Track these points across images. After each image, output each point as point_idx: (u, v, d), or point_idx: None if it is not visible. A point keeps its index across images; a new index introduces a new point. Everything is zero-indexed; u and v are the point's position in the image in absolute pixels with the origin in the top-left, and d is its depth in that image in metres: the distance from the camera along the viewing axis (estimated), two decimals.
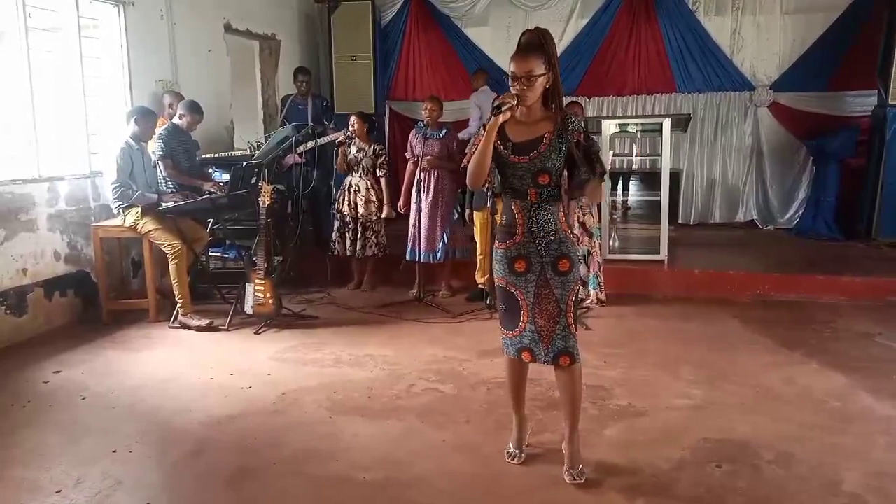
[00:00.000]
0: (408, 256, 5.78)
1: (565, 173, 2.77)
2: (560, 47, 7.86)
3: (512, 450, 3.01)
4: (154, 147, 5.35)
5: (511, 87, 2.69)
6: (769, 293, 5.73)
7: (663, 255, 6.07)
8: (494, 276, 2.89)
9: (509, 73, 2.71)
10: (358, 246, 5.94)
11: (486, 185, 2.93)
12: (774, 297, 5.69)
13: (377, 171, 5.96)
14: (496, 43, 8.56)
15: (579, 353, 2.80)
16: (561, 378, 2.84)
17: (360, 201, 5.91)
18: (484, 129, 2.69)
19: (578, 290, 2.88)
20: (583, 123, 2.82)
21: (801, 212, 7.89)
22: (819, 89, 7.75)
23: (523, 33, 2.73)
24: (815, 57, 7.74)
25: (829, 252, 6.76)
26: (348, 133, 5.93)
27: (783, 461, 2.98)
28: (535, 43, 2.66)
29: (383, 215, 5.95)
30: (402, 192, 5.87)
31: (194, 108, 5.45)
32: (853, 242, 7.08)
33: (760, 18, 7.94)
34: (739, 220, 8.26)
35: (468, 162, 2.78)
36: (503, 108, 2.61)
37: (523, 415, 3.05)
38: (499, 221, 2.92)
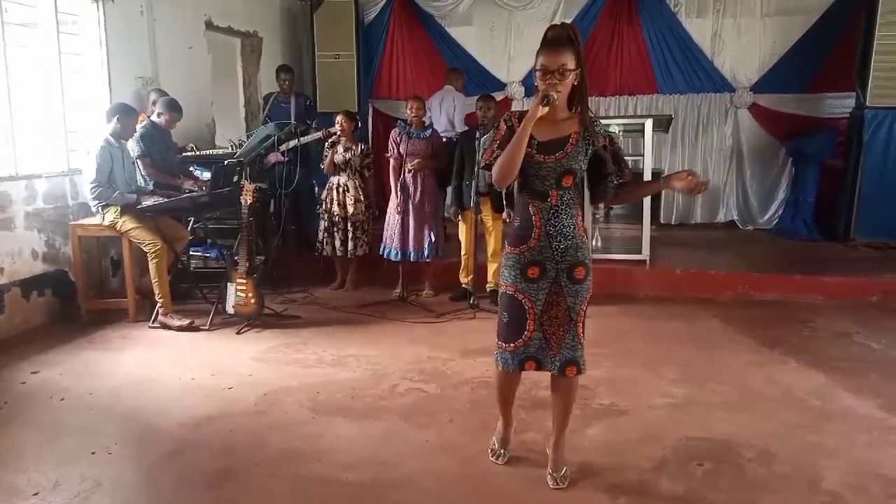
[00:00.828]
0: (391, 256, 5.75)
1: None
2: None
3: (496, 448, 2.99)
4: (132, 145, 5.29)
5: (539, 83, 2.54)
6: (750, 292, 5.78)
7: (645, 254, 6.11)
8: (502, 282, 2.75)
9: (537, 68, 2.55)
10: (349, 246, 5.91)
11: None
12: (755, 296, 5.74)
13: (365, 171, 5.94)
14: (480, 42, 8.57)
15: (585, 364, 2.73)
16: (561, 386, 2.78)
17: (349, 201, 5.88)
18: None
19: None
20: (607, 128, 2.71)
21: (780, 212, 7.97)
22: (798, 91, 7.83)
23: (549, 28, 2.59)
24: (794, 59, 7.82)
25: (808, 252, 6.84)
26: (335, 132, 5.90)
27: (764, 460, 3.01)
28: (564, 37, 2.53)
29: (367, 214, 5.94)
30: (392, 192, 5.80)
31: (173, 107, 5.39)
32: (832, 242, 7.16)
33: (741, 20, 8.01)
34: (720, 221, 8.33)
35: (492, 158, 2.63)
36: (550, 100, 2.47)
37: (511, 417, 3.00)
38: (507, 223, 2.81)
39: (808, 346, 4.57)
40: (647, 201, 6.12)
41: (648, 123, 6.17)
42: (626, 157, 2.72)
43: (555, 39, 2.53)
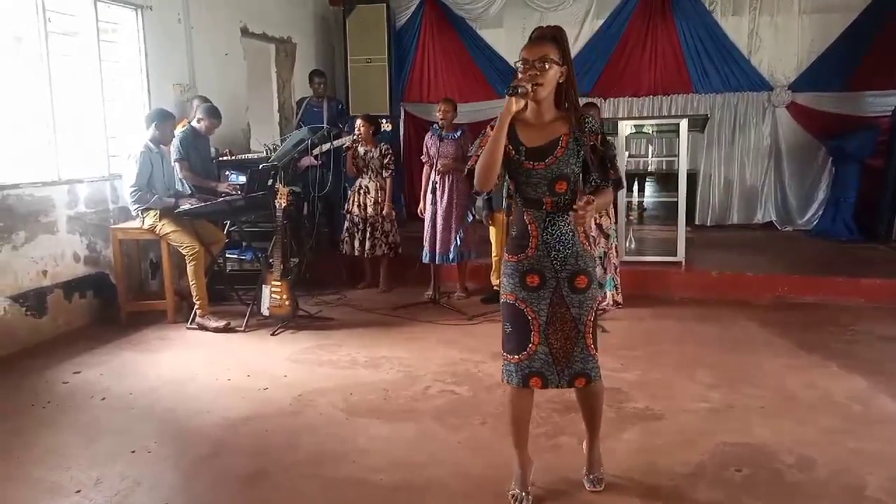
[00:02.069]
0: (424, 259, 5.78)
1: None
2: (575, 48, 7.84)
3: (516, 492, 2.67)
4: (172, 149, 5.40)
5: (520, 74, 2.42)
6: (788, 295, 5.67)
7: (680, 256, 6.03)
8: (503, 290, 2.62)
9: (519, 63, 2.44)
10: (367, 246, 5.98)
11: (495, 188, 2.74)
12: (793, 299, 5.63)
13: (384, 171, 5.99)
14: (511, 44, 8.53)
15: (599, 373, 2.59)
16: (582, 396, 2.68)
17: (368, 202, 5.99)
18: (490, 129, 2.46)
19: (597, 307, 2.62)
20: (599, 125, 2.58)
21: (820, 213, 7.81)
22: (838, 89, 7.67)
23: (535, 29, 2.53)
24: (833, 57, 7.66)
25: (848, 253, 6.68)
26: (354, 137, 5.99)
27: (804, 466, 2.94)
28: (548, 35, 2.45)
29: (384, 213, 5.98)
30: (421, 195, 5.87)
31: (213, 113, 5.51)
32: (873, 244, 7.00)
33: (778, 18, 7.87)
34: (757, 222, 8.20)
35: (475, 164, 2.51)
36: (519, 90, 2.34)
37: (527, 453, 2.73)
38: (506, 232, 2.71)
39: (849, 350, 4.46)
40: (682, 202, 6.04)
41: (684, 124, 6.09)
42: (612, 159, 2.61)
43: (539, 36, 2.46)
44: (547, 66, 2.40)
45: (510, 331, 2.59)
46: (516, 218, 2.60)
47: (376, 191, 6.01)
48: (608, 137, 2.68)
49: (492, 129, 2.48)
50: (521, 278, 2.54)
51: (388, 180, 6.04)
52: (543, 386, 2.57)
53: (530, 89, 2.38)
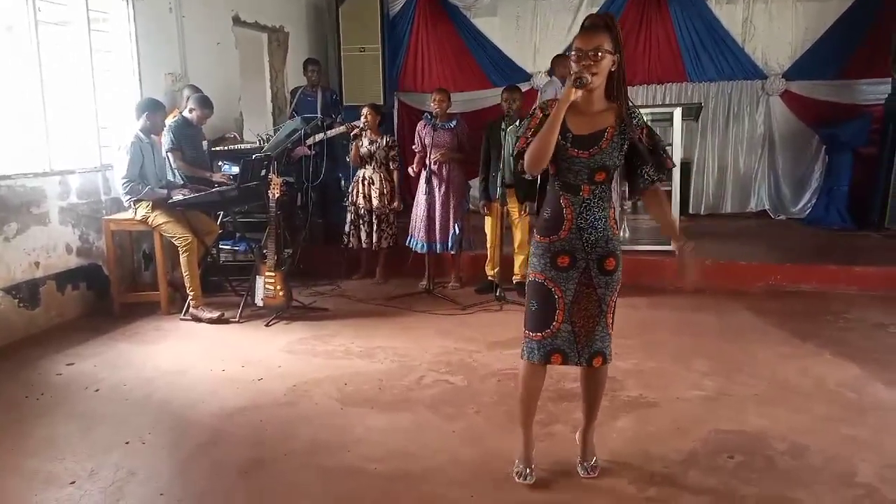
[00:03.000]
0: (417, 248, 5.78)
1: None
2: (570, 37, 7.81)
3: (521, 469, 2.78)
4: (164, 139, 5.38)
5: (574, 67, 2.45)
6: (781, 283, 5.69)
7: (674, 246, 6.02)
8: (531, 270, 2.67)
9: (573, 51, 2.46)
10: (374, 238, 5.95)
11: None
12: (787, 287, 5.65)
13: (390, 163, 5.95)
14: (505, 33, 8.52)
15: (612, 354, 2.70)
16: (590, 377, 2.75)
17: (374, 193, 5.93)
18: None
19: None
20: (644, 119, 2.61)
21: (813, 201, 7.83)
22: (832, 77, 7.68)
23: (587, 17, 2.53)
24: (827, 45, 7.66)
25: (841, 242, 6.71)
26: (361, 125, 5.92)
27: (797, 452, 2.96)
28: (600, 24, 2.46)
29: (396, 207, 5.96)
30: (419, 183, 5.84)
31: (205, 104, 5.47)
32: (866, 232, 7.02)
33: (772, 6, 7.86)
34: (751, 210, 8.21)
35: (525, 145, 2.55)
36: (583, 81, 2.37)
37: (532, 431, 2.84)
38: (540, 215, 2.71)
39: (842, 337, 4.48)
40: (675, 191, 6.04)
41: (678, 112, 6.08)
42: (665, 149, 2.62)
43: (591, 25, 2.46)
44: (601, 56, 2.41)
45: (535, 308, 2.64)
46: (551, 200, 2.64)
47: (381, 182, 5.94)
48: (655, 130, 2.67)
49: (541, 110, 2.57)
50: (552, 258, 2.60)
51: (394, 173, 6.00)
52: (563, 362, 2.65)
53: (591, 80, 2.41)
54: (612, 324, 2.67)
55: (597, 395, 2.79)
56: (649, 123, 2.61)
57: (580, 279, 2.59)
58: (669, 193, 6.01)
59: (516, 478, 2.76)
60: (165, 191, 5.08)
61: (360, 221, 5.97)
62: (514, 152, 2.67)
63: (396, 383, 3.82)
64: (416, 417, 3.40)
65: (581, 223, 2.56)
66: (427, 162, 5.63)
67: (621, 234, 6.29)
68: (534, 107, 2.68)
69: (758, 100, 8.06)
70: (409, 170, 5.86)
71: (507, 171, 5.18)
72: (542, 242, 2.63)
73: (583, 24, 2.51)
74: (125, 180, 4.96)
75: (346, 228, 6.04)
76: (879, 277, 5.57)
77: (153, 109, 5.10)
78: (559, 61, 7.16)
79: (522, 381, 2.76)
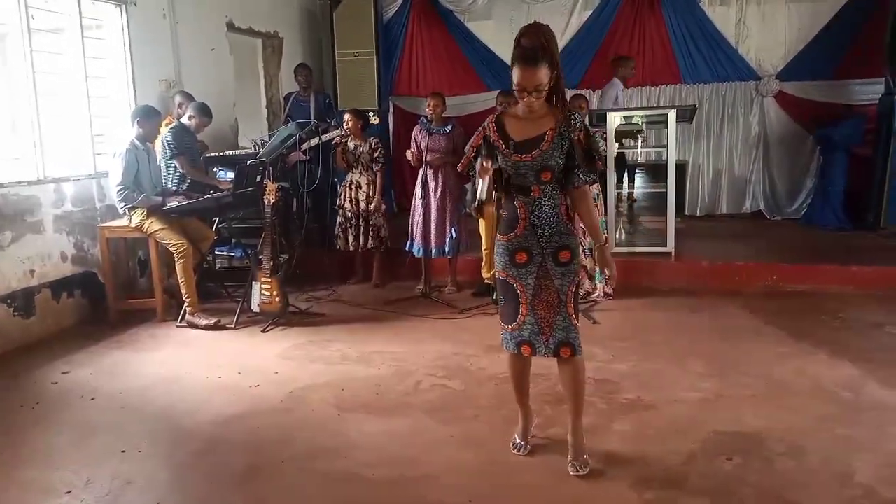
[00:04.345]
0: (416, 252, 5.77)
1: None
2: (563, 40, 7.83)
3: (518, 441, 3.03)
4: (162, 145, 5.37)
5: (517, 96, 2.68)
6: (778, 284, 5.70)
7: (670, 247, 6.05)
8: (496, 268, 2.89)
9: (514, 84, 2.64)
10: (361, 241, 5.97)
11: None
12: (783, 287, 5.66)
13: (373, 165, 5.97)
14: (499, 37, 8.50)
15: (581, 346, 2.79)
16: (564, 371, 2.85)
17: (361, 197, 5.96)
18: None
19: (579, 281, 2.87)
20: (585, 120, 2.80)
21: (808, 201, 7.84)
22: (825, 78, 7.70)
23: (522, 33, 2.68)
24: (820, 45, 7.68)
25: (837, 241, 6.71)
26: (343, 131, 5.95)
27: (794, 453, 2.96)
28: (538, 47, 2.60)
29: (372, 207, 5.95)
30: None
31: (204, 111, 5.47)
32: (861, 231, 7.03)
33: (765, 7, 7.88)
34: (746, 211, 8.22)
35: (466, 169, 2.90)
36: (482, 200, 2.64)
37: (528, 407, 3.07)
38: (500, 214, 2.92)
39: (839, 337, 4.49)
40: (671, 192, 6.05)
41: (672, 114, 6.09)
42: (599, 152, 2.81)
43: (529, 54, 2.59)
44: (542, 91, 2.62)
45: (504, 303, 2.87)
46: (507, 202, 2.85)
47: (367, 185, 5.98)
48: (593, 130, 2.91)
49: (483, 130, 2.82)
50: (510, 256, 2.80)
51: (378, 174, 6.02)
52: (533, 353, 2.83)
53: (490, 166, 2.68)
54: (575, 315, 2.79)
55: (575, 389, 2.85)
56: (586, 126, 2.77)
57: (538, 273, 2.77)
58: (665, 195, 6.06)
59: (512, 449, 3.01)
60: (160, 198, 5.07)
61: (348, 224, 6.00)
62: (458, 169, 3.02)
63: (394, 388, 3.81)
64: (413, 422, 3.39)
65: (534, 220, 2.76)
66: (423, 166, 5.63)
67: (617, 236, 6.32)
68: (486, 121, 2.86)
69: (752, 101, 8.08)
70: (407, 153, 5.81)
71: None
72: (501, 241, 2.84)
73: (518, 41, 2.65)
74: (120, 187, 4.95)
75: (335, 231, 6.07)
76: (875, 277, 5.58)
77: (148, 116, 5.09)
78: (619, 63, 7.14)
79: (509, 367, 3.00)
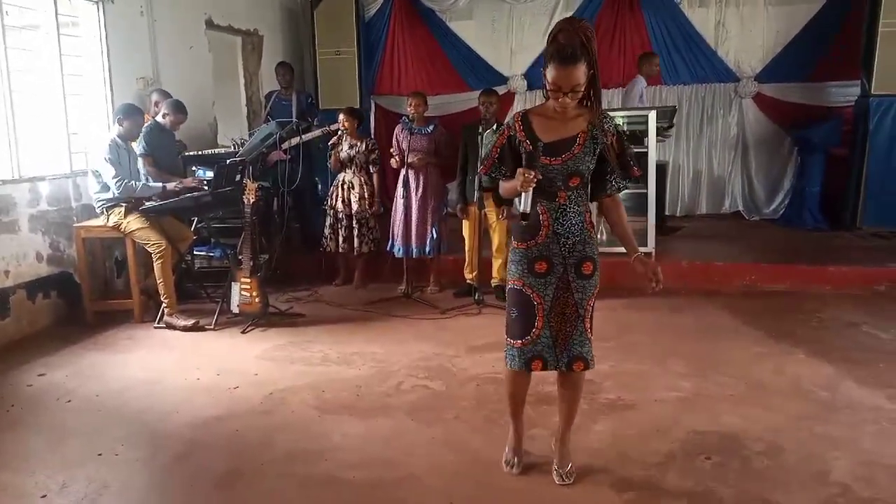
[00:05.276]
0: (396, 252, 5.75)
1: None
2: (544, 41, 7.83)
3: (510, 458, 2.88)
4: (136, 145, 5.30)
5: (551, 96, 2.47)
6: (756, 283, 5.75)
7: (651, 247, 6.07)
8: (510, 277, 2.69)
9: (549, 81, 2.44)
10: (355, 243, 5.88)
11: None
12: (762, 287, 5.71)
13: (370, 166, 5.91)
14: (481, 36, 8.52)
15: (594, 360, 2.69)
16: (568, 382, 2.76)
17: (353, 198, 5.85)
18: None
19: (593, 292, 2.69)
20: (616, 125, 2.61)
21: (786, 202, 7.92)
22: (803, 80, 7.78)
23: (560, 28, 2.43)
24: (799, 48, 7.76)
25: (814, 242, 6.79)
26: (339, 131, 5.88)
27: (772, 452, 2.99)
28: (577, 45, 2.37)
29: (373, 210, 5.90)
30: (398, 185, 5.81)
31: (178, 108, 5.39)
32: (838, 232, 7.12)
33: (744, 9, 7.95)
34: (726, 211, 8.30)
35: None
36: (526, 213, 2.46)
37: (522, 425, 2.91)
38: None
39: (816, 336, 4.54)
40: (651, 192, 6.08)
41: (652, 115, 6.12)
42: (633, 157, 2.64)
43: (568, 51, 2.37)
44: (578, 92, 2.43)
45: (515, 315, 2.65)
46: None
47: (361, 186, 5.86)
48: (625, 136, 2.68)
49: (508, 129, 2.62)
50: (529, 264, 2.62)
51: (374, 175, 5.94)
52: (543, 368, 2.66)
53: (532, 177, 2.44)
54: (591, 328, 2.68)
55: (574, 399, 2.80)
56: (623, 129, 2.62)
57: (558, 284, 2.61)
58: (645, 196, 6.09)
59: (504, 466, 2.85)
60: (160, 184, 5.06)
61: (339, 226, 5.90)
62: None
63: (375, 389, 3.80)
64: (394, 424, 3.38)
65: (558, 228, 2.58)
66: (404, 166, 5.61)
67: (598, 236, 6.33)
68: (507, 120, 2.69)
69: (731, 102, 8.15)
70: (392, 161, 5.78)
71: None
72: (519, 249, 2.65)
73: (555, 37, 2.42)
74: (117, 180, 4.86)
75: (325, 232, 5.98)
76: (852, 276, 5.65)
77: (130, 115, 5.02)
78: (645, 59, 7.09)
79: (507, 389, 2.81)
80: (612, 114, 6.75)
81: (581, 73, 2.40)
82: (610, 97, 8.32)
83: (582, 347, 2.65)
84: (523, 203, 2.46)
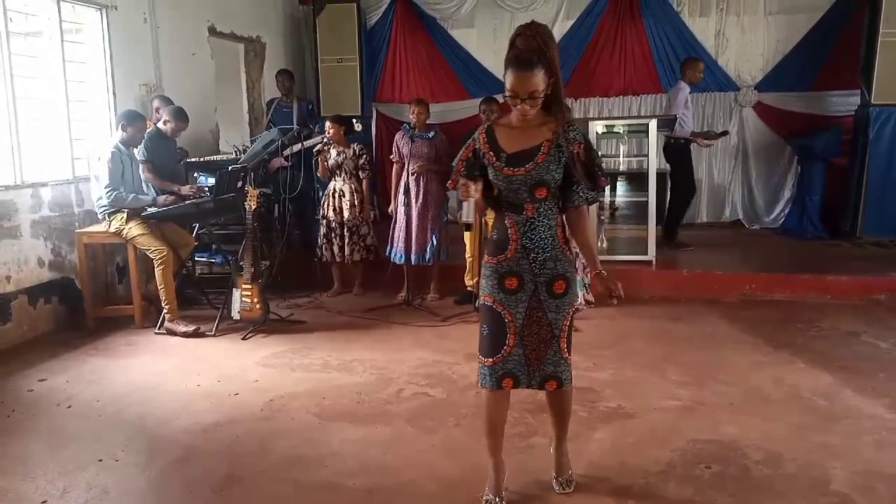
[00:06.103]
0: (395, 259, 5.76)
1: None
2: None
3: (490, 497, 2.65)
4: (136, 151, 5.32)
5: (510, 103, 2.42)
6: (756, 293, 5.76)
7: (651, 255, 6.09)
8: (481, 293, 2.61)
9: (507, 89, 2.39)
10: (346, 251, 5.88)
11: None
12: (761, 296, 5.72)
13: (360, 172, 5.91)
14: (482, 44, 8.56)
15: (570, 379, 2.62)
16: (552, 399, 2.70)
17: (344, 206, 5.85)
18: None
19: (573, 313, 2.62)
20: (583, 133, 2.52)
21: (786, 211, 7.93)
22: (803, 89, 7.81)
23: (518, 33, 2.40)
24: (798, 57, 7.79)
25: (814, 251, 6.81)
26: (325, 140, 5.88)
27: (771, 461, 2.99)
28: (534, 50, 2.33)
29: (361, 218, 5.87)
30: (392, 194, 5.84)
31: (179, 115, 5.40)
32: (838, 241, 7.13)
33: (744, 19, 7.99)
34: (725, 220, 8.31)
35: (457, 185, 2.53)
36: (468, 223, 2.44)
37: (501, 458, 2.70)
38: (489, 233, 2.65)
39: (815, 346, 4.54)
40: (652, 201, 6.10)
41: (653, 124, 6.16)
42: (601, 166, 2.56)
43: (525, 57, 2.34)
44: (537, 99, 2.37)
45: (486, 333, 2.58)
46: (497, 220, 2.59)
47: (351, 193, 5.84)
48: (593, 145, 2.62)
49: (473, 142, 2.55)
50: (499, 280, 2.54)
51: (364, 182, 5.92)
52: (515, 385, 2.58)
53: (474, 190, 2.43)
54: (568, 348, 2.59)
55: (562, 415, 2.75)
56: (585, 139, 2.52)
57: (530, 302, 2.53)
58: (646, 204, 6.11)
59: None
60: (150, 196, 5.06)
61: (332, 235, 5.90)
62: (448, 184, 2.68)
63: (375, 396, 3.80)
64: (394, 431, 3.38)
65: (527, 243, 2.50)
66: (405, 173, 5.62)
67: (599, 244, 6.35)
68: (476, 131, 2.62)
69: (731, 111, 8.17)
70: (394, 176, 5.80)
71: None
72: (489, 263, 2.57)
73: (513, 42, 2.39)
74: (108, 189, 4.89)
75: (319, 242, 5.98)
76: (852, 286, 5.65)
77: (132, 121, 5.04)
78: (689, 65, 7.09)
79: (485, 408, 2.66)
80: (614, 122, 6.85)
81: (539, 79, 2.35)
82: (611, 106, 8.35)
83: (556, 367, 2.56)
84: (465, 213, 2.46)
